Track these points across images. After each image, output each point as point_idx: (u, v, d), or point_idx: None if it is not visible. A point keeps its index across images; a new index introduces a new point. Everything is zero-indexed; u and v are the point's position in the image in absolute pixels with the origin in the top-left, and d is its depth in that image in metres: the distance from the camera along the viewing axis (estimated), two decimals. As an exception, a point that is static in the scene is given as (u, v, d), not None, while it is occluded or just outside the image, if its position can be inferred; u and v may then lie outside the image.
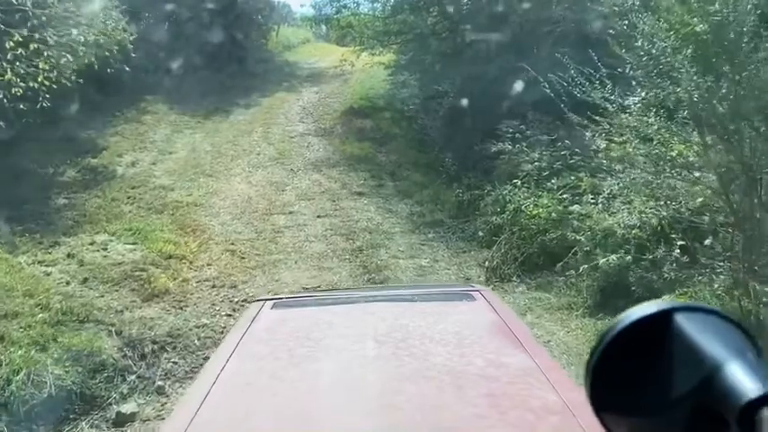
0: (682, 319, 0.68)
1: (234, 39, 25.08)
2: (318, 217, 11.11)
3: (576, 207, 7.89)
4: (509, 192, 9.35)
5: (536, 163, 9.23)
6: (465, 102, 13.49)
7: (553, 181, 8.87)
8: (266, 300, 3.08)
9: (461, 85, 13.92)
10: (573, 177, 8.29)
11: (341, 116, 18.87)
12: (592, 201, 7.81)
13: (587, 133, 7.67)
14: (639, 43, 6.10)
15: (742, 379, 0.60)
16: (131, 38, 16.42)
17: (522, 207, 8.53)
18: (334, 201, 12.00)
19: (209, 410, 1.84)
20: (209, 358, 3.58)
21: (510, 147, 10.05)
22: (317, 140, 16.72)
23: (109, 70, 15.74)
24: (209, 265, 8.84)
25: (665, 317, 0.69)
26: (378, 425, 1.77)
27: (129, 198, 11.91)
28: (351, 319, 2.78)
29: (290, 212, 11.31)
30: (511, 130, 10.51)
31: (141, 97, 19.84)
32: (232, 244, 9.70)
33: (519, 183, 9.33)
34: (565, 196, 8.22)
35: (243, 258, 9.13)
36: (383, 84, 21.97)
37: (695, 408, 0.64)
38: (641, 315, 0.70)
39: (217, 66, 23.48)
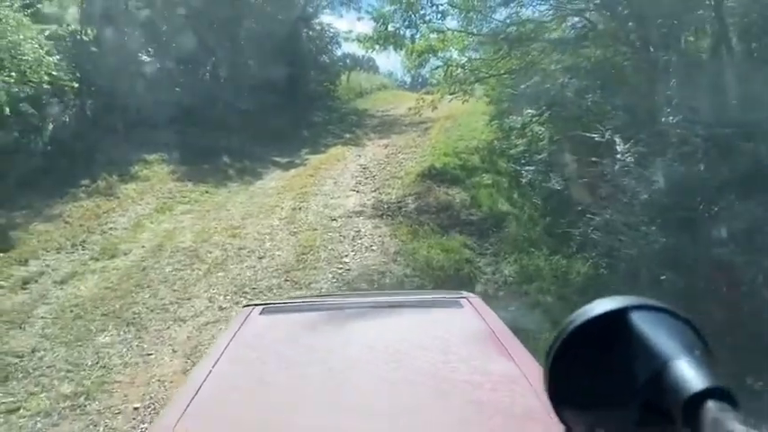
0: (636, 316, 0.65)
1: (290, 81, 17.97)
2: None
3: None
4: None
5: None
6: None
7: None
8: (255, 305, 2.70)
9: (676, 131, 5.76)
10: None
11: (415, 181, 11.05)
12: None
13: None
14: None
15: (687, 374, 0.58)
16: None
17: None
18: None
19: (195, 414, 1.67)
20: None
21: None
22: (372, 227, 8.88)
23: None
24: None
25: (619, 314, 0.65)
26: (363, 430, 1.67)
27: None
28: (339, 324, 2.50)
29: None
30: None
31: (139, 156, 12.77)
32: None
33: None
34: None
35: None
36: (481, 131, 14.07)
37: (646, 402, 0.60)
38: (597, 313, 0.65)
39: (263, 113, 16.38)
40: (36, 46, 7.66)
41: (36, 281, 7.07)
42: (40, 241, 8.36)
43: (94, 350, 5.28)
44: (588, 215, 7.88)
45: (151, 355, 5.22)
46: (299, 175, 12.59)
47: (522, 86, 9.41)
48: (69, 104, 12.94)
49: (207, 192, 11.47)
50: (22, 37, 7.30)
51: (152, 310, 6.13)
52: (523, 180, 9.64)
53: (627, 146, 7.45)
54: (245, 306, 2.83)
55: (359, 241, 8.33)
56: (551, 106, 8.70)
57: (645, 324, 0.64)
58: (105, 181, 11.17)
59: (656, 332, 0.63)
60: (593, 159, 7.78)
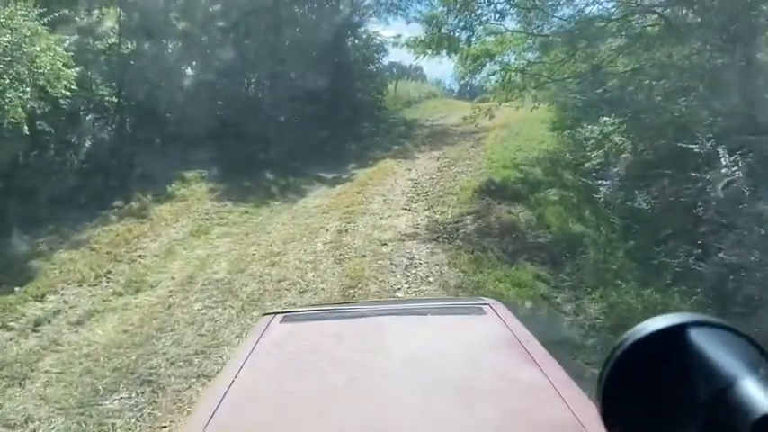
0: (694, 334, 0.60)
1: (336, 92, 17.01)
2: None
3: None
4: None
5: None
6: None
7: None
8: (276, 313, 2.61)
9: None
10: None
11: (472, 198, 9.88)
12: None
13: None
14: None
15: (755, 394, 0.54)
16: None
17: None
18: None
19: (218, 425, 1.62)
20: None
21: None
22: (427, 253, 7.75)
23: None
24: None
25: (677, 331, 0.61)
26: None
27: None
28: (360, 332, 2.40)
29: None
30: None
31: (178, 173, 11.99)
32: None
33: None
34: None
35: None
36: (541, 141, 12.82)
37: (707, 423, 0.57)
38: (654, 329, 0.61)
39: (308, 126, 15.50)
40: (56, 58, 6.87)
41: (50, 321, 6.21)
42: (62, 272, 7.56)
43: (98, 420, 4.31)
44: (683, 240, 6.58)
45: (165, 428, 4.21)
46: (345, 192, 11.58)
47: (599, 91, 8.09)
48: (109, 120, 12.33)
49: (247, 212, 10.56)
50: (38, 48, 6.53)
51: (173, 363, 5.14)
52: (598, 197, 8.33)
53: (733, 158, 6.14)
54: (264, 314, 2.70)
55: (413, 271, 7.20)
56: (636, 113, 7.37)
57: (704, 341, 0.59)
58: (139, 201, 10.41)
59: (716, 350, 0.58)
60: (692, 174, 6.47)
